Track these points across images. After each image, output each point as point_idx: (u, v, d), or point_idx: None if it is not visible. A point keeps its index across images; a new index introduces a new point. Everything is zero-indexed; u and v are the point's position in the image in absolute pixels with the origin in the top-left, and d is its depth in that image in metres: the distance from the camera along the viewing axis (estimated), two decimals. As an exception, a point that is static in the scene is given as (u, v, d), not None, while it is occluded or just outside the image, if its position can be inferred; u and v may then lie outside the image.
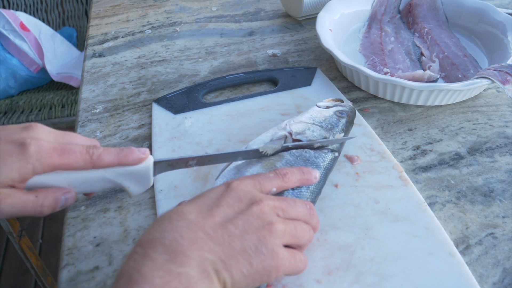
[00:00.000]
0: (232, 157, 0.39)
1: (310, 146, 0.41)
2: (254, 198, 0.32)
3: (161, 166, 0.36)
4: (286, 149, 0.40)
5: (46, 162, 0.31)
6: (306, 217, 0.34)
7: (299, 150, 0.40)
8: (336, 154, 0.41)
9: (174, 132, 0.50)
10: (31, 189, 0.32)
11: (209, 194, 0.32)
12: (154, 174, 0.35)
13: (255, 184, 0.34)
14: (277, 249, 0.30)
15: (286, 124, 0.43)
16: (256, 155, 0.40)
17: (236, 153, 0.39)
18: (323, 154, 0.40)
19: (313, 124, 0.43)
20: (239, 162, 0.40)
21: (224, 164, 0.41)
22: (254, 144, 0.41)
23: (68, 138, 0.34)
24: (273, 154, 0.40)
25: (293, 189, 0.37)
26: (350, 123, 0.45)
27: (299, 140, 0.41)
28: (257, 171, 0.38)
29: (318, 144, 0.41)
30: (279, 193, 0.36)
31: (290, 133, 0.42)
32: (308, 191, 0.37)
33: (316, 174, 0.38)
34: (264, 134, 0.43)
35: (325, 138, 0.42)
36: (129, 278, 0.26)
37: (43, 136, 0.32)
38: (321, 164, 0.40)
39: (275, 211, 0.32)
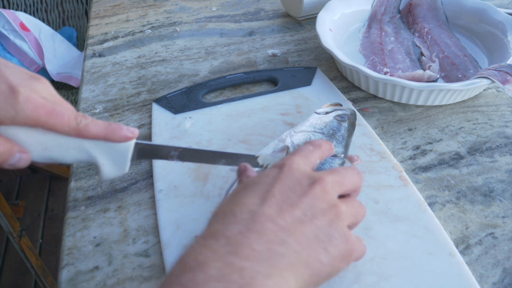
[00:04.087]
0: (218, 157, 0.37)
1: None
2: (313, 177, 0.30)
3: (142, 150, 0.34)
4: None
5: (31, 115, 0.29)
6: (359, 184, 0.33)
7: None
8: (343, 158, 0.41)
9: (174, 132, 0.50)
10: None
11: (264, 179, 0.30)
12: (132, 159, 0.33)
13: (304, 161, 0.32)
14: (347, 232, 0.29)
15: (286, 136, 0.42)
16: (250, 162, 0.38)
17: (222, 154, 0.37)
18: (330, 161, 0.39)
19: (314, 132, 0.42)
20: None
21: (231, 181, 0.39)
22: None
23: (64, 104, 0.32)
24: None
25: None
26: (352, 126, 0.45)
27: None
28: None
29: None
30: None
31: (292, 146, 0.41)
32: None
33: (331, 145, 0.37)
34: (265, 149, 0.41)
35: None
36: (184, 264, 0.24)
37: (42, 92, 0.30)
38: None
39: (335, 188, 0.30)
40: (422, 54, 0.64)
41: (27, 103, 0.29)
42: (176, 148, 0.35)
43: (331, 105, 0.47)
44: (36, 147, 0.31)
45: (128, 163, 0.33)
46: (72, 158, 0.32)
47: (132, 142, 0.33)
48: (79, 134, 0.31)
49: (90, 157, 0.32)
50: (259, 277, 0.24)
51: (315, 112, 0.46)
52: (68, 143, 0.31)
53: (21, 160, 0.30)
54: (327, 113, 0.45)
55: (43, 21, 1.58)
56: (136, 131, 0.33)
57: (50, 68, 1.38)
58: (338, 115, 0.44)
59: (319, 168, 0.38)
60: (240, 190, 0.30)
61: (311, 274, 0.26)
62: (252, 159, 0.38)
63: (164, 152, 0.35)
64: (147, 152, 0.34)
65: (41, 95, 0.30)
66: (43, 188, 1.69)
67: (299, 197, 0.29)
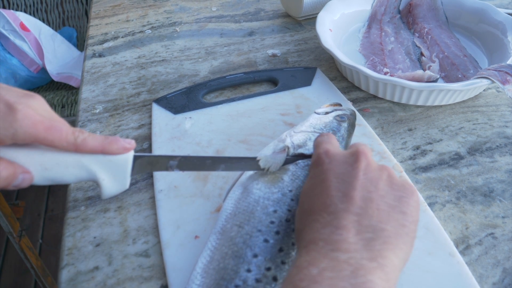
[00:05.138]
0: (218, 163, 0.37)
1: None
2: (351, 153, 0.33)
3: (140, 163, 0.34)
4: (290, 161, 0.39)
5: (30, 132, 0.29)
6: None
7: (304, 160, 0.39)
8: None
9: (174, 132, 0.50)
10: None
11: (317, 179, 0.32)
12: (132, 173, 0.33)
13: (333, 145, 0.35)
14: (404, 182, 0.31)
15: (286, 136, 0.42)
16: (251, 165, 0.38)
17: (222, 159, 0.37)
18: None
19: (314, 132, 0.42)
20: (244, 179, 0.38)
21: (231, 181, 0.39)
22: None
23: (60, 121, 0.32)
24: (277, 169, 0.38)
25: None
26: (351, 126, 0.45)
27: (301, 153, 0.40)
28: (264, 187, 0.37)
29: None
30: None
31: (292, 146, 0.40)
32: None
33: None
34: (265, 149, 0.41)
35: None
36: (297, 267, 0.26)
37: (38, 109, 0.30)
38: None
39: (370, 153, 0.33)
40: (422, 54, 0.64)
41: (25, 120, 0.29)
42: (174, 157, 0.35)
43: (331, 105, 0.47)
44: (36, 168, 0.31)
45: (128, 178, 0.33)
46: (72, 176, 0.32)
47: (131, 155, 0.33)
48: (77, 148, 0.31)
49: (90, 174, 0.32)
50: (364, 262, 0.25)
51: (315, 112, 0.46)
52: (67, 161, 0.31)
53: (24, 180, 0.30)
54: (327, 113, 0.45)
55: (43, 21, 1.58)
56: (133, 142, 0.33)
57: (50, 68, 1.38)
58: (338, 115, 0.44)
59: None
60: (304, 202, 0.32)
61: (404, 242, 0.28)
62: (253, 162, 0.38)
63: (163, 163, 0.35)
64: (145, 164, 0.34)
65: (37, 112, 0.30)
66: (43, 188, 1.69)
67: (355, 179, 0.31)
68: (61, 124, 0.31)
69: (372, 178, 0.31)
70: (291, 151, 0.40)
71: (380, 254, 0.26)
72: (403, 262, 0.28)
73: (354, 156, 0.32)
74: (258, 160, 0.38)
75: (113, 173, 0.32)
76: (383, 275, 0.25)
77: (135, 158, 0.33)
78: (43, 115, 0.30)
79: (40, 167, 0.31)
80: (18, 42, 1.34)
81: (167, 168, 0.35)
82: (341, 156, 0.33)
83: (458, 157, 0.48)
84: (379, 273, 0.25)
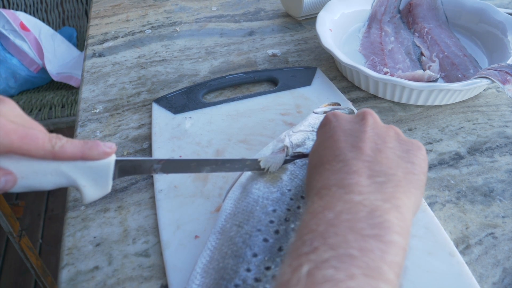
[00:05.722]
0: (202, 165, 0.36)
1: None
2: (358, 114, 0.34)
3: (122, 167, 0.33)
4: (289, 160, 0.39)
5: (3, 142, 0.27)
6: None
7: (303, 160, 0.39)
8: None
9: (174, 132, 0.50)
10: None
11: (325, 135, 0.33)
12: (114, 177, 0.32)
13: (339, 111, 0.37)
14: (411, 140, 0.33)
15: (285, 135, 0.42)
16: (238, 166, 0.37)
17: (206, 162, 0.36)
18: None
19: (313, 131, 0.42)
20: (243, 179, 0.38)
21: (231, 181, 0.39)
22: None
23: (35, 126, 0.30)
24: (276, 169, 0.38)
25: None
26: None
27: (300, 153, 0.40)
28: (263, 186, 0.37)
29: None
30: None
31: (291, 146, 0.41)
32: None
33: None
34: (264, 149, 0.41)
35: None
36: (312, 212, 0.26)
37: (9, 115, 0.28)
38: None
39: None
40: (422, 54, 0.64)
41: None
42: (158, 161, 0.34)
43: (329, 104, 0.47)
44: None
45: (110, 182, 0.32)
46: (50, 184, 0.30)
47: (112, 160, 0.32)
48: (55, 156, 0.29)
49: (70, 181, 0.30)
50: (379, 203, 0.26)
51: (313, 112, 0.46)
52: (44, 169, 0.29)
53: (7, 182, 0.28)
54: (325, 112, 0.45)
55: (43, 21, 1.58)
56: (114, 146, 0.32)
57: (50, 68, 1.38)
58: None
59: None
60: (312, 158, 0.33)
61: (414, 187, 0.29)
62: (239, 163, 0.37)
63: (147, 166, 0.34)
64: (128, 168, 0.33)
65: (9, 118, 0.28)
66: (43, 188, 1.68)
67: (363, 133, 0.31)
68: (37, 131, 0.29)
69: (380, 133, 0.32)
70: (290, 150, 0.40)
71: (393, 196, 0.27)
72: (415, 207, 0.28)
73: (361, 116, 0.33)
74: (258, 161, 0.38)
75: (94, 179, 0.31)
76: (399, 215, 0.25)
77: (117, 162, 0.32)
78: (16, 122, 0.28)
79: (16, 176, 0.29)
80: (18, 42, 1.34)
81: (150, 171, 0.34)
82: (348, 116, 0.34)
83: (458, 157, 0.48)
84: (394, 213, 0.25)
